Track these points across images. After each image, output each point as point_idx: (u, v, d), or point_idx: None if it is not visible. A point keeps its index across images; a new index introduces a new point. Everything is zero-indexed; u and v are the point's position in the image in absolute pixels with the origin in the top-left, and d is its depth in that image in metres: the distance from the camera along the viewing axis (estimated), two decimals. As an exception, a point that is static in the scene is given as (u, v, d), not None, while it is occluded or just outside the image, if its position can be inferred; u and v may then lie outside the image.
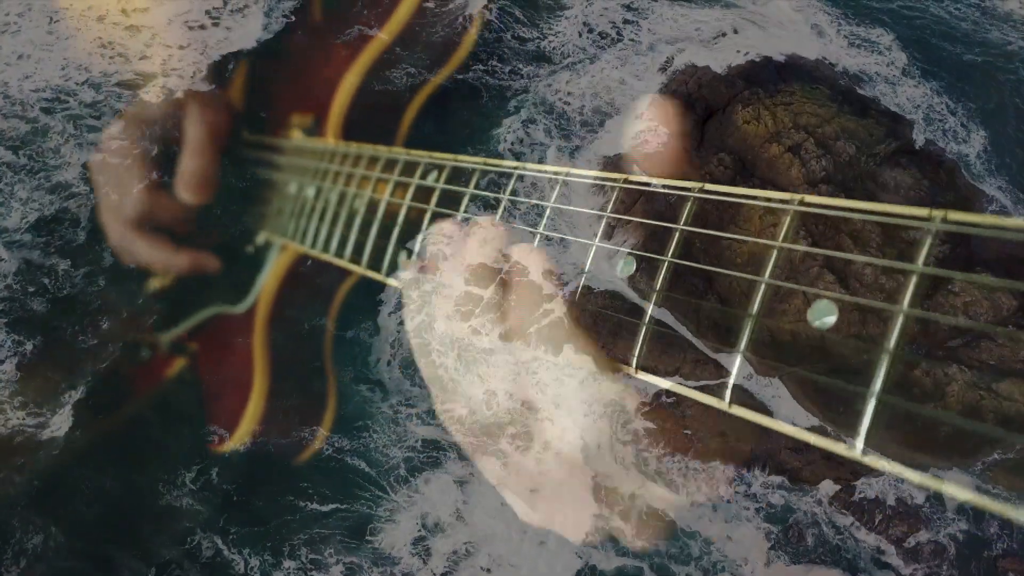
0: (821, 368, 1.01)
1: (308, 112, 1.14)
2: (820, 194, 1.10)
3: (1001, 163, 1.41)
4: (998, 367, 1.12)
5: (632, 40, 1.25)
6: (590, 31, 1.27)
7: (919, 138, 1.37)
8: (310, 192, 0.99)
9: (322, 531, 1.17)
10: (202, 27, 1.12)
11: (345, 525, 1.18)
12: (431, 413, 1.20)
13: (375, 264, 0.87)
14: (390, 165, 0.91)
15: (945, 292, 1.12)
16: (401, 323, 1.19)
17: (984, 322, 1.12)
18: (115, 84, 1.20)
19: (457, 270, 0.82)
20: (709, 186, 0.68)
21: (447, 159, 0.88)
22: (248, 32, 1.13)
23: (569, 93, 1.17)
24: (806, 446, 0.96)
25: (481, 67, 1.13)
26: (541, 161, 1.17)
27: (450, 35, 1.13)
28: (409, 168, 0.90)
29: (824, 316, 0.62)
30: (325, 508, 1.18)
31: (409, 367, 1.20)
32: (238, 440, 1.11)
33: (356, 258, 0.92)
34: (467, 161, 0.86)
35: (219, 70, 1.14)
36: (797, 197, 0.61)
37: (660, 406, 1.02)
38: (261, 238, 1.12)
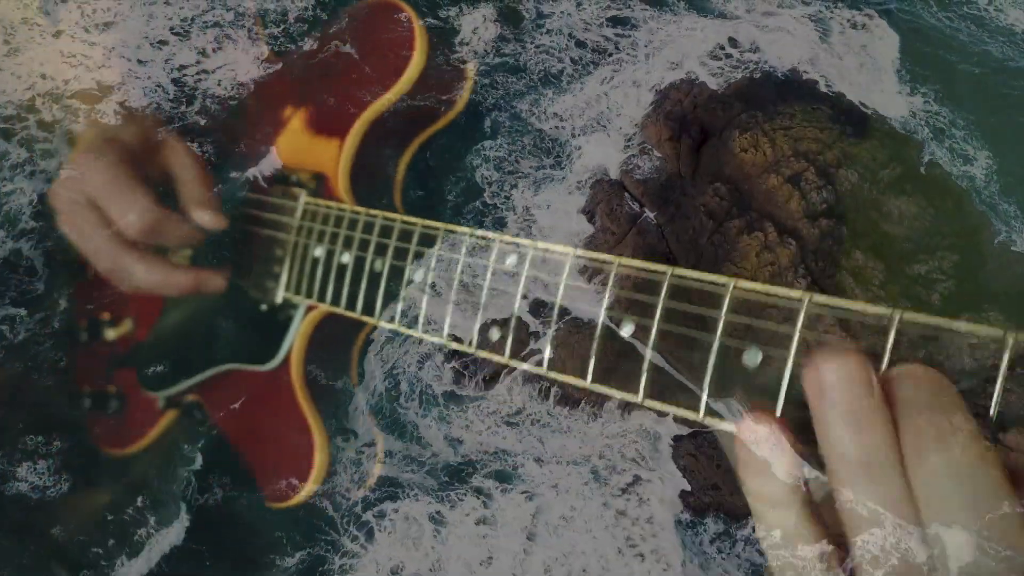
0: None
1: (310, 168, 1.17)
2: (820, 228, 1.08)
3: (1007, 184, 1.41)
4: (1004, 414, 1.11)
5: (625, 52, 1.23)
6: (578, 44, 1.24)
7: (924, 158, 1.36)
8: (344, 258, 1.06)
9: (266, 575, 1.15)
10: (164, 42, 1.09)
11: (300, 570, 1.16)
12: (389, 453, 1.20)
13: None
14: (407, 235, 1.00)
15: (950, 333, 1.10)
16: (383, 363, 1.17)
17: (991, 365, 1.11)
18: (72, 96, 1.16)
19: None
20: (679, 270, 0.73)
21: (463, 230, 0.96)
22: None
23: (555, 114, 1.14)
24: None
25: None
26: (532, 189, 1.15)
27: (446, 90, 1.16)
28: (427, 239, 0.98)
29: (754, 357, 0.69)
30: (292, 559, 1.16)
31: (380, 412, 1.18)
32: (303, 497, 1.18)
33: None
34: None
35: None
36: (806, 295, 0.65)
37: (650, 457, 1.01)
38: (279, 297, 1.16)
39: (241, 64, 1.21)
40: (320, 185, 1.14)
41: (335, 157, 1.12)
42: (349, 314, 1.03)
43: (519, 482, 1.11)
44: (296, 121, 1.19)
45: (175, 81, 1.14)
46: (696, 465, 1.03)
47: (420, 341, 1.14)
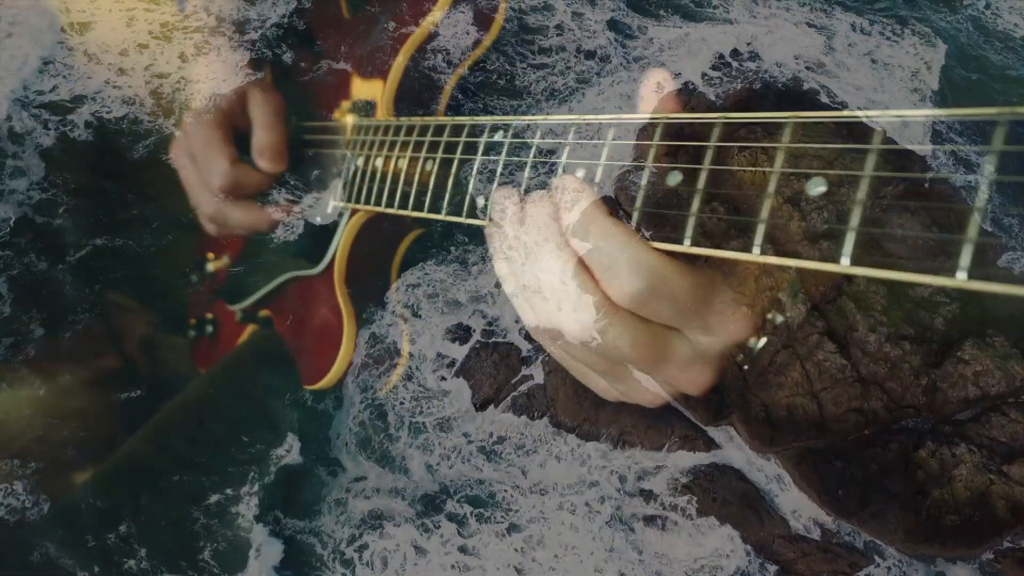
0: (820, 445, 0.98)
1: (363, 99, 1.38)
2: (821, 251, 1.07)
3: (1009, 198, 1.39)
4: (1009, 445, 1.09)
5: (622, 64, 1.21)
6: (577, 52, 1.22)
7: (928, 174, 1.33)
8: (378, 163, 1.24)
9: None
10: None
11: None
12: (378, 490, 1.19)
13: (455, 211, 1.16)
14: (447, 130, 1.15)
15: (954, 360, 1.09)
16: (363, 390, 1.16)
17: (995, 393, 1.10)
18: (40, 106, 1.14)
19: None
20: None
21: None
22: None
23: (550, 129, 1.12)
24: (801, 536, 0.93)
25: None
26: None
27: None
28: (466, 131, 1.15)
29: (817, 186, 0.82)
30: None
31: (366, 445, 1.17)
32: (333, 377, 1.34)
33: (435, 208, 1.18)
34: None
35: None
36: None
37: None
38: (330, 208, 1.34)
39: (223, 70, 1.20)
40: (370, 111, 1.34)
41: (382, 86, 1.32)
42: (387, 211, 1.19)
43: (502, 511, 1.10)
44: (354, 63, 1.40)
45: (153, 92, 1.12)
46: (697, 503, 1.02)
47: (411, 372, 1.13)
